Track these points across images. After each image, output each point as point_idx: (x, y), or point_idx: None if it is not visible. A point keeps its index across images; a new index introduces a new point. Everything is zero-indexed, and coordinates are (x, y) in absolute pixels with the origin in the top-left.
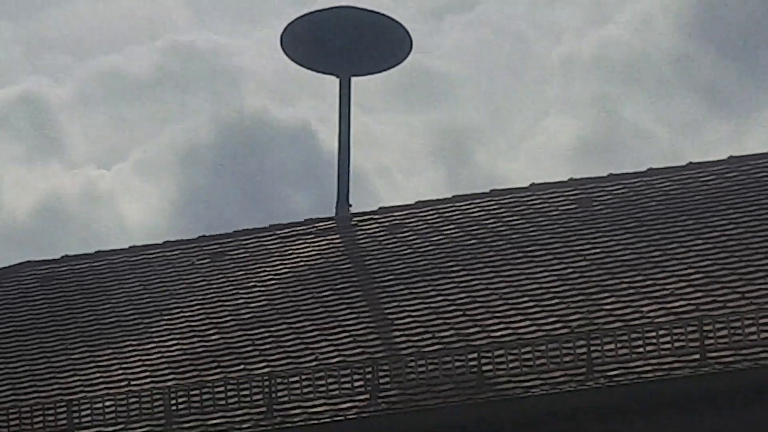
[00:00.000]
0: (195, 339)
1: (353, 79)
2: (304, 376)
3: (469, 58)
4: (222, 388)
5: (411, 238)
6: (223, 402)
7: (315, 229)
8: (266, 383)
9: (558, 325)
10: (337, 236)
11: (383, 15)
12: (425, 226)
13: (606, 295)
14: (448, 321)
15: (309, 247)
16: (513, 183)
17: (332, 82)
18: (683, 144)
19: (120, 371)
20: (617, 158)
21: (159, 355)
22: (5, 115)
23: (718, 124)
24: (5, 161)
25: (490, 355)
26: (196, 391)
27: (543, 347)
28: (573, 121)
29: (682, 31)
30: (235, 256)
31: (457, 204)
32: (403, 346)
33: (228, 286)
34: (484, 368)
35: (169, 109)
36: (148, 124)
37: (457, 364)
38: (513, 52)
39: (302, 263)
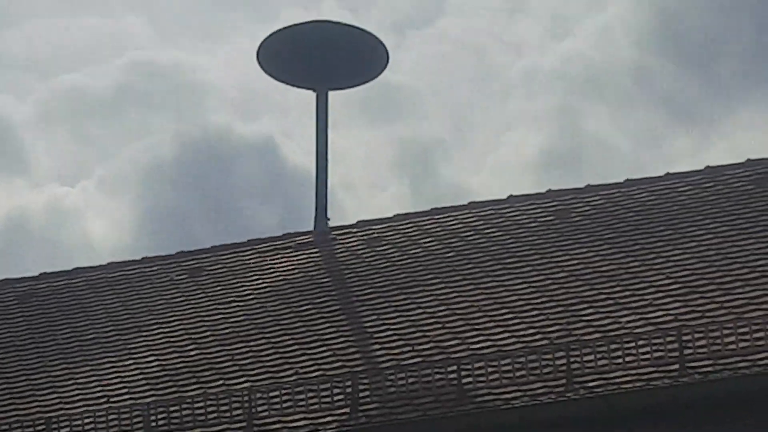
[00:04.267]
0: (174, 354)
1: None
2: (283, 391)
3: (432, 73)
4: (201, 404)
5: (389, 251)
6: (203, 417)
7: (293, 243)
8: (246, 398)
9: (537, 337)
10: (316, 250)
11: (360, 29)
12: (403, 239)
13: (585, 306)
14: (427, 333)
15: (287, 261)
16: (478, 196)
17: (297, 96)
18: (646, 155)
19: (99, 388)
20: (581, 170)
21: (138, 371)
22: None
23: (679, 135)
24: None
25: (469, 367)
26: (176, 407)
27: (522, 359)
28: (536, 133)
29: (642, 43)
30: (213, 271)
31: (435, 217)
32: (383, 359)
33: (206, 301)
34: (464, 380)
35: (132, 126)
36: (112, 141)
37: (437, 376)
38: (475, 66)
39: (281, 278)
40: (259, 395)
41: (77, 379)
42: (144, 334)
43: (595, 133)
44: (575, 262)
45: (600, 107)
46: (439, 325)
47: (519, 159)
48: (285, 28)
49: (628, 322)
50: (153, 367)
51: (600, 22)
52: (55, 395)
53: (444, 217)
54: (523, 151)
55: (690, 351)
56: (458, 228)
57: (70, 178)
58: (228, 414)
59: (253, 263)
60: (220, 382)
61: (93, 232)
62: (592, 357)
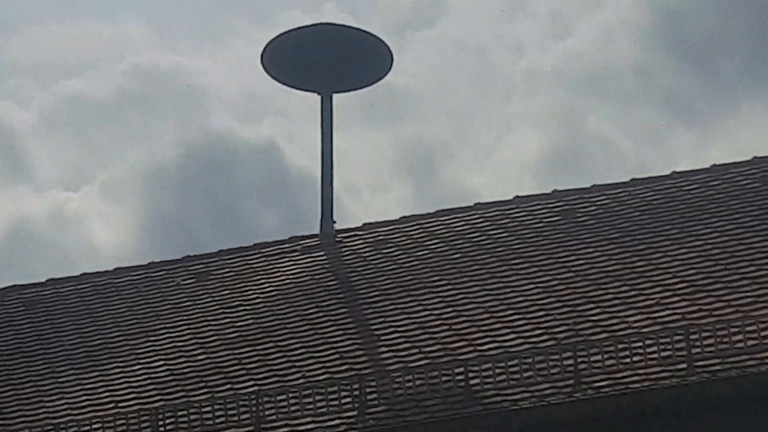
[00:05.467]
0: (181, 359)
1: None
2: (291, 394)
3: (432, 74)
4: (209, 408)
5: (396, 253)
6: (210, 422)
7: (300, 246)
8: (253, 402)
9: (544, 338)
10: (322, 253)
11: (364, 32)
12: (410, 241)
13: (592, 306)
14: (434, 336)
15: (294, 264)
16: (480, 197)
17: (299, 99)
18: (648, 154)
19: (107, 393)
20: (583, 170)
21: (146, 376)
22: None
23: (681, 133)
24: None
25: (477, 369)
26: (184, 412)
27: (530, 360)
28: (537, 134)
29: (642, 42)
30: (220, 276)
31: (441, 218)
32: (390, 361)
33: (214, 305)
34: (472, 382)
35: (133, 131)
36: (114, 147)
37: (444, 378)
38: (476, 67)
39: (288, 281)
40: (266, 399)
41: (85, 384)
42: (151, 338)
43: (596, 132)
44: (581, 262)
45: (601, 106)
46: (446, 327)
47: (521, 159)
48: (289, 31)
49: (636, 321)
50: (161, 371)
51: (600, 21)
52: (63, 401)
53: (450, 219)
54: (525, 151)
55: (698, 350)
56: (464, 229)
57: (72, 184)
58: (236, 418)
59: (259, 267)
60: (228, 386)
61: (96, 237)
62: (599, 357)
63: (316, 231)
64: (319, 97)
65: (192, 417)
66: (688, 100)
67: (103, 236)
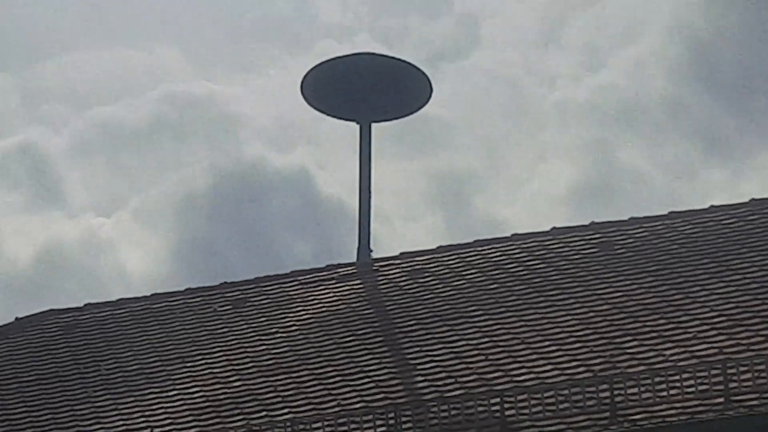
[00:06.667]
0: (217, 386)
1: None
2: (326, 422)
3: (465, 105)
4: None
5: (432, 282)
6: None
7: (337, 274)
8: (289, 430)
9: (581, 369)
10: (359, 282)
11: (404, 61)
12: (447, 270)
13: (629, 338)
14: (470, 366)
15: (331, 293)
16: (511, 228)
17: (333, 128)
18: (680, 189)
19: (142, 419)
20: (614, 203)
21: (181, 402)
22: (4, 165)
23: (714, 168)
24: (5, 211)
25: (512, 399)
26: None
27: (566, 391)
28: (569, 166)
29: (675, 75)
30: (257, 303)
31: (479, 248)
32: (425, 391)
33: (250, 332)
34: (507, 413)
35: (166, 157)
36: (147, 173)
37: (480, 409)
38: (508, 99)
39: (324, 309)
40: (301, 427)
41: (121, 409)
42: (188, 364)
43: (628, 166)
44: (618, 294)
45: (634, 140)
46: (482, 357)
47: (552, 191)
48: (330, 59)
49: (672, 354)
50: (196, 397)
51: (633, 54)
52: (99, 426)
53: (487, 249)
54: (557, 183)
55: (735, 384)
56: (501, 260)
57: (105, 209)
58: None
59: (296, 294)
60: (263, 413)
61: (128, 262)
62: (636, 390)
63: (348, 259)
64: (356, 126)
65: None
66: (720, 134)
67: (135, 262)
